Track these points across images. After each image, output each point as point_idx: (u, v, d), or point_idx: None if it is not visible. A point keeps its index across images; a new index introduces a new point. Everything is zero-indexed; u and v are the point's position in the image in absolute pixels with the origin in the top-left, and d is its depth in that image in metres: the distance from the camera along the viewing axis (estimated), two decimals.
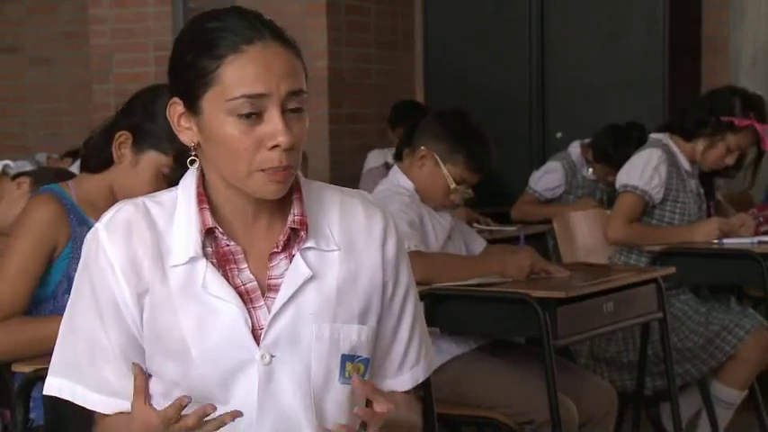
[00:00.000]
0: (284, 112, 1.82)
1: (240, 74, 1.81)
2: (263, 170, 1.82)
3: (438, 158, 3.59)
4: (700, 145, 4.51)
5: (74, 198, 2.85)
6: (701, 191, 4.61)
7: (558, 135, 7.10)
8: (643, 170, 4.45)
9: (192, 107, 1.86)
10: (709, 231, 4.46)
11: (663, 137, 4.58)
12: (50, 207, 2.81)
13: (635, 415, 4.25)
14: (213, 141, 1.84)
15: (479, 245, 3.82)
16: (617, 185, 4.58)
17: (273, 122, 1.81)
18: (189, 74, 1.85)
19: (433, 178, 3.61)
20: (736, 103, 4.47)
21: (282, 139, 1.80)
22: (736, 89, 4.65)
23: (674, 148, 4.54)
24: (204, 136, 1.86)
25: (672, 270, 3.96)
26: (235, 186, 1.86)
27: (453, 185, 3.58)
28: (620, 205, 4.51)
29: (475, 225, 5.33)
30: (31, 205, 2.85)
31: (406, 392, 2.04)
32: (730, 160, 4.50)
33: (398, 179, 3.66)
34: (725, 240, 4.46)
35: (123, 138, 2.83)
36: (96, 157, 2.90)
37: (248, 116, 1.81)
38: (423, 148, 3.62)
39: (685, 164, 4.53)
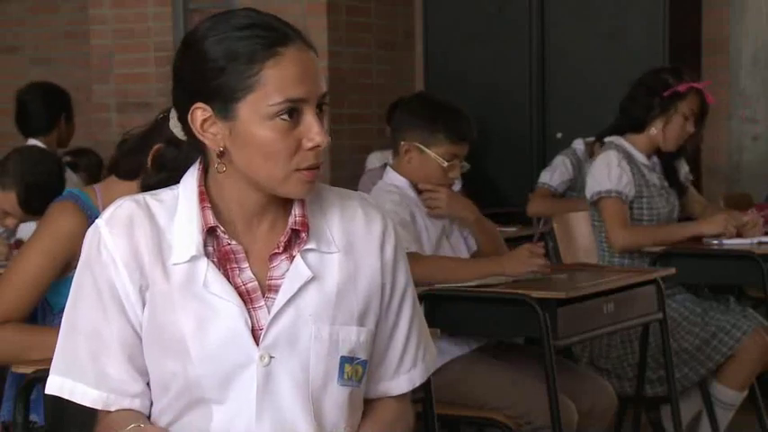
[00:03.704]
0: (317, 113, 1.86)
1: (282, 78, 1.82)
2: (299, 170, 1.84)
3: (421, 146, 3.61)
4: (655, 128, 4.50)
5: (99, 205, 2.80)
6: (665, 183, 4.59)
7: (558, 135, 7.08)
8: (609, 173, 4.41)
9: (225, 112, 1.84)
10: (717, 225, 4.45)
11: (613, 139, 4.56)
12: (71, 219, 2.76)
13: (635, 417, 4.25)
14: (248, 145, 1.84)
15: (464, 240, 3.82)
16: (588, 196, 4.50)
17: (312, 124, 1.84)
18: (222, 79, 1.83)
19: (425, 166, 3.62)
20: (667, 76, 4.51)
21: (321, 140, 1.84)
22: (657, 68, 4.70)
23: (627, 146, 4.52)
24: (237, 140, 1.84)
25: (672, 271, 3.96)
26: (264, 189, 1.87)
27: (446, 164, 3.60)
28: (607, 214, 4.43)
29: None
30: (53, 214, 2.80)
31: (402, 396, 2.03)
32: (691, 127, 4.51)
33: (391, 178, 3.68)
34: (725, 241, 4.46)
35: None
36: (128, 165, 2.85)
37: (289, 118, 1.83)
38: (403, 143, 3.64)
39: (642, 158, 4.52)
